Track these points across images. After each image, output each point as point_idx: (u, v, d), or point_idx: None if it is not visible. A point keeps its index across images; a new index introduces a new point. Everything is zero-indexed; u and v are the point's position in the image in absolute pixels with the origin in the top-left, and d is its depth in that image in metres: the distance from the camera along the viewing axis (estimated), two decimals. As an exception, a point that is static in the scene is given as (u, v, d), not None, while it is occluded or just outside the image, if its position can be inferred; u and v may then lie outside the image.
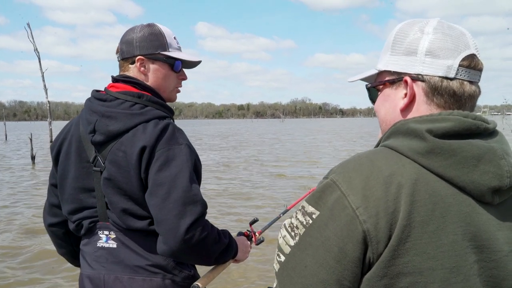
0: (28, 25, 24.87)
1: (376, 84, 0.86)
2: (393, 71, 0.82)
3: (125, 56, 1.37)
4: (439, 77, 0.76)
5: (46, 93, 25.52)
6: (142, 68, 1.36)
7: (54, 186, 1.47)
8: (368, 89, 0.90)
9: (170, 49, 1.38)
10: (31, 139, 15.06)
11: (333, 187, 0.73)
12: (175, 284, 1.32)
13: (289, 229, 0.78)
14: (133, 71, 1.37)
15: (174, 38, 1.41)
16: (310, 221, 0.74)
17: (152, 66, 1.36)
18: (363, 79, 0.93)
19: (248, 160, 14.69)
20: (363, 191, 0.71)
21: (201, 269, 1.39)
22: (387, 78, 0.83)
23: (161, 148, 1.23)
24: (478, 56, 0.78)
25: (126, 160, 1.24)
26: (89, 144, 1.32)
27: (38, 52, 25.60)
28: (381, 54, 0.86)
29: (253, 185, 9.57)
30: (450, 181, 0.71)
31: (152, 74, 1.37)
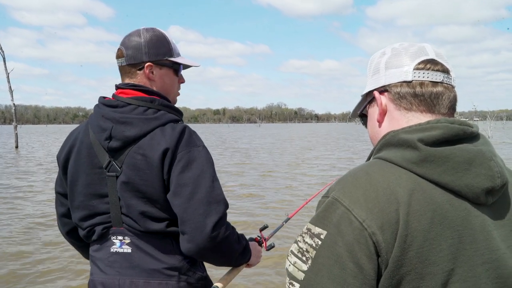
0: (-8, 22, 23.40)
1: (362, 108, 0.93)
2: (368, 92, 0.90)
3: (133, 62, 1.37)
4: (399, 82, 0.82)
5: (12, 95, 24.02)
6: (151, 74, 1.38)
7: (60, 194, 1.47)
8: (360, 117, 0.95)
9: (174, 55, 1.42)
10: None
11: (336, 204, 0.73)
12: (190, 286, 1.34)
13: (299, 255, 0.75)
14: (140, 77, 1.39)
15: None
16: (320, 242, 0.73)
17: (160, 72, 1.40)
18: (358, 109, 0.96)
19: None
20: (366, 203, 0.71)
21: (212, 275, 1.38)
22: (367, 100, 0.91)
23: (182, 150, 1.26)
24: (439, 60, 0.82)
25: (147, 163, 1.26)
26: (101, 150, 1.32)
27: (3, 51, 24.12)
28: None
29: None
30: (445, 187, 0.73)
31: (159, 80, 1.40)
